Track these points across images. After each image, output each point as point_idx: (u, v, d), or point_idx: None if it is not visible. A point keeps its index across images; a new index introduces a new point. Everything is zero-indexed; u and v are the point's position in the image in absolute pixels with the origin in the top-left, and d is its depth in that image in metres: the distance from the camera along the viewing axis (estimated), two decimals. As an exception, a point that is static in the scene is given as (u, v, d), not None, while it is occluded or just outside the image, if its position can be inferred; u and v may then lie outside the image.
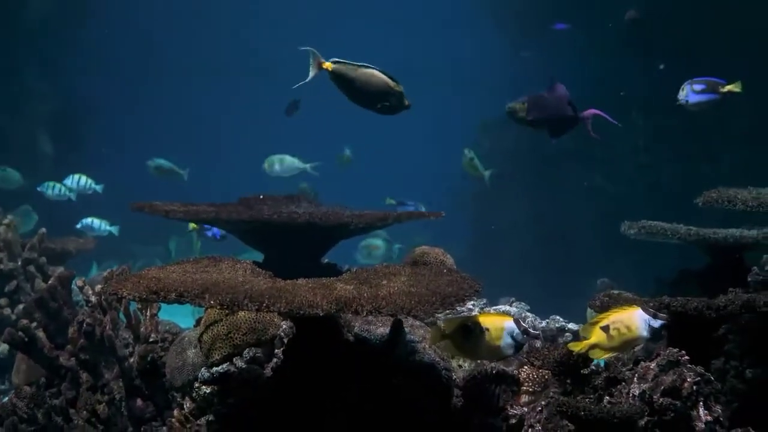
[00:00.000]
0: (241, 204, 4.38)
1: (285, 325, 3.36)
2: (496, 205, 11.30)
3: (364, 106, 3.67)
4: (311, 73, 3.57)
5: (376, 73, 3.58)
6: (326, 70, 3.54)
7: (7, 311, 5.34)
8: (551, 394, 2.94)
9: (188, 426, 3.30)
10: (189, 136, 17.59)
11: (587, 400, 2.73)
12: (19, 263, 5.56)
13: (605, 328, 2.82)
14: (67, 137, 13.41)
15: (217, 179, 14.01)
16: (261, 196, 4.48)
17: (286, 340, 3.28)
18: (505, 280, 6.41)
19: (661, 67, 8.70)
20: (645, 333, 2.81)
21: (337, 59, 3.55)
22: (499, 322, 2.83)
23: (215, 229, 5.15)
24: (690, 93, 4.65)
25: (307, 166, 8.10)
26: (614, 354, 2.89)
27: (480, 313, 3.28)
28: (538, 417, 2.97)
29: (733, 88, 4.53)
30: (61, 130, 13.40)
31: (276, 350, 3.36)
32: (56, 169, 12.73)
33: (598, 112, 4.52)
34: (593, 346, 2.83)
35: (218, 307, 2.73)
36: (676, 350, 2.82)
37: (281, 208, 4.21)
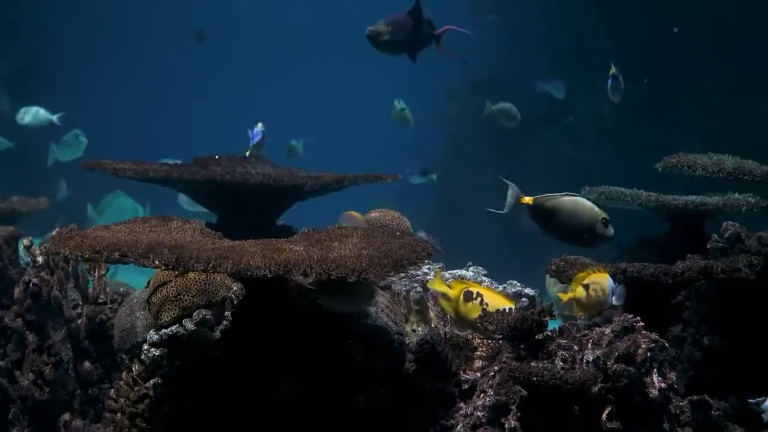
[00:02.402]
0: (195, 164, 4.29)
1: (236, 287, 3.29)
2: (461, 171, 11.28)
3: (565, 240, 3.41)
4: (507, 207, 3.43)
5: (580, 201, 3.35)
6: (526, 204, 3.38)
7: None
8: (504, 359, 2.89)
9: (136, 389, 3.23)
10: (158, 96, 17.39)
11: (540, 365, 2.67)
12: (-33, 223, 5.45)
13: (586, 287, 2.85)
14: (25, 95, 13.22)
15: (186, 137, 13.87)
16: (216, 157, 4.39)
17: (236, 303, 3.21)
18: (470, 246, 6.38)
19: (675, 30, 8.66)
20: (612, 299, 2.83)
21: (537, 196, 3.38)
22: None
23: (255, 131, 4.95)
24: None
25: (54, 117, 7.99)
26: (587, 313, 2.91)
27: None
28: (490, 382, 2.93)
29: None
30: (18, 88, 13.21)
31: (226, 312, 3.29)
32: (10, 129, 12.57)
33: (452, 27, 4.45)
34: (574, 301, 2.89)
35: (163, 268, 2.67)
36: (631, 316, 2.78)
37: (236, 168, 4.13)
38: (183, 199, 7.00)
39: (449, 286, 3.01)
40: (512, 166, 10.03)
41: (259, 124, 4.77)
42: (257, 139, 4.75)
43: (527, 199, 3.37)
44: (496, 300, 2.93)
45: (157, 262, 2.53)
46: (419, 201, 10.17)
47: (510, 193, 3.41)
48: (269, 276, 2.47)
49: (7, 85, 12.94)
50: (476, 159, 11.17)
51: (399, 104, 7.66)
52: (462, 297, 2.95)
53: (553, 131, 10.27)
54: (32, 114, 8.07)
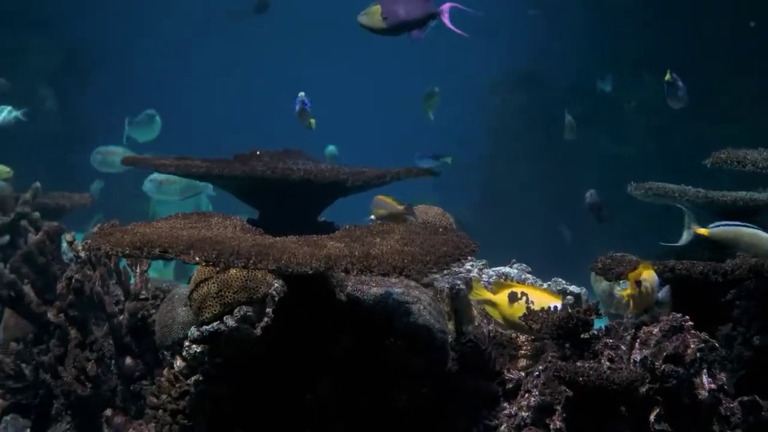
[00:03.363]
0: (236, 160, 4.28)
1: (277, 283, 3.26)
2: (504, 167, 11.23)
3: None
4: (684, 239, 3.37)
5: (759, 233, 3.18)
6: (702, 234, 3.29)
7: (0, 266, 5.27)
8: (549, 358, 2.85)
9: (177, 385, 3.23)
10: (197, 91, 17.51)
11: (587, 365, 2.63)
12: (12, 217, 5.48)
13: (638, 284, 2.81)
14: (69, 92, 13.33)
15: (224, 133, 13.91)
16: (258, 152, 4.37)
17: (277, 299, 3.19)
18: (512, 243, 6.34)
19: (752, 24, 8.54)
20: (658, 296, 2.79)
21: (720, 223, 3.27)
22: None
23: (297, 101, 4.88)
24: None
25: (19, 113, 7.95)
26: (637, 311, 2.88)
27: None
28: (535, 382, 2.89)
29: None
30: (63, 85, 13.33)
31: (267, 309, 3.27)
32: (54, 126, 12.69)
33: (454, 4, 4.30)
34: (630, 298, 2.84)
35: (204, 264, 2.65)
36: (679, 315, 2.72)
37: (277, 163, 4.11)
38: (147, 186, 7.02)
39: (492, 291, 2.97)
40: (554, 162, 9.98)
41: (301, 93, 4.73)
42: (298, 107, 4.71)
43: (702, 231, 3.30)
44: (541, 298, 2.89)
45: (197, 259, 2.51)
46: (460, 196, 10.13)
47: (686, 221, 3.34)
48: (310, 273, 2.44)
49: (51, 81, 13.07)
50: (518, 154, 11.12)
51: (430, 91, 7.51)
52: (507, 299, 2.91)
53: (596, 126, 10.15)
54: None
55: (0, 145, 8.72)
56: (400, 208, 3.77)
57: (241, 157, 4.29)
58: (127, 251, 2.60)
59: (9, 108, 7.85)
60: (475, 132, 12.15)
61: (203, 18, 19.26)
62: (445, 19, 4.16)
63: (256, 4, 9.82)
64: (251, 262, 2.47)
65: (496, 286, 2.98)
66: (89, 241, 2.87)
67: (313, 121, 4.75)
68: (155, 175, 7.16)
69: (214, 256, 2.49)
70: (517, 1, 12.21)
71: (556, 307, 2.79)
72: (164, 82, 16.71)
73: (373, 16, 4.07)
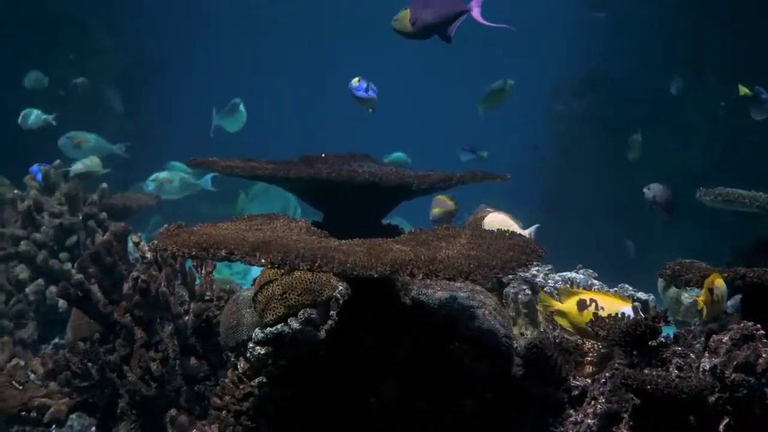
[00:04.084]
0: (302, 162, 4.29)
1: (341, 286, 3.26)
2: (566, 172, 11.15)
3: None
4: None
5: None
6: None
7: (67, 266, 5.36)
8: (616, 365, 2.81)
9: (241, 387, 3.24)
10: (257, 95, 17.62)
11: (654, 373, 2.58)
12: (80, 218, 5.57)
13: (710, 291, 2.77)
14: (134, 93, 13.52)
15: (277, 136, 14.00)
16: (323, 155, 4.38)
17: (341, 302, 3.18)
18: (573, 247, 6.28)
19: None
20: (728, 305, 2.75)
21: None
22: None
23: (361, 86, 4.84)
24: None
25: (50, 117, 8.00)
26: (708, 319, 2.85)
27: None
28: (601, 389, 2.85)
29: None
30: (129, 86, 13.52)
31: (331, 312, 3.27)
32: (124, 126, 12.86)
33: None
34: (705, 306, 2.80)
35: (269, 266, 2.66)
36: (751, 324, 2.67)
37: (342, 166, 4.11)
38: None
39: (559, 300, 2.94)
40: (616, 166, 9.86)
41: (355, 79, 4.72)
42: (359, 93, 4.69)
43: None
44: (611, 303, 2.85)
45: (263, 261, 2.51)
46: (527, 201, 10.07)
47: None
48: (375, 276, 2.43)
49: (118, 85, 13.26)
50: (580, 159, 11.02)
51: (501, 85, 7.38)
52: (576, 307, 2.87)
53: (660, 130, 10.02)
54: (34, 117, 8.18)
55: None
56: (452, 204, 3.78)
57: (306, 159, 4.30)
58: (194, 252, 2.61)
59: (38, 112, 7.99)
60: (538, 137, 12.08)
61: (264, 20, 19.44)
62: (476, 15, 4.14)
63: None
64: (316, 264, 2.46)
65: (564, 294, 2.95)
66: (156, 242, 2.89)
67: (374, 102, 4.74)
68: (156, 175, 7.19)
69: (279, 258, 2.49)
70: (582, 5, 12.10)
71: (624, 314, 2.75)
72: (226, 83, 16.83)
73: (403, 20, 4.09)
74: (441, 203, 4.58)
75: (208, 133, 9.44)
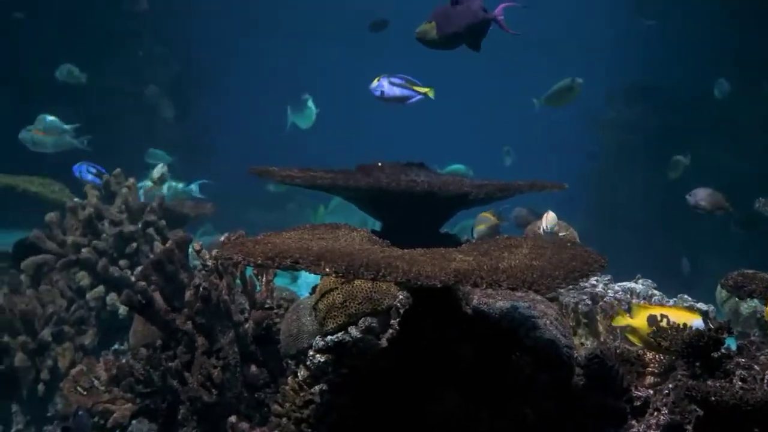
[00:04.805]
0: (359, 171, 4.32)
1: (402, 295, 3.28)
2: (618, 180, 11.08)
3: None
4: None
5: None
6: None
7: (126, 273, 5.43)
8: (679, 376, 2.79)
9: (302, 394, 3.27)
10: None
11: (718, 384, 2.57)
12: (139, 226, 5.65)
13: None
14: (185, 101, 13.65)
15: (326, 144, 14.04)
16: (379, 164, 4.40)
17: (402, 311, 3.20)
18: (624, 256, 6.25)
19: None
20: None
21: None
22: None
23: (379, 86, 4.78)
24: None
25: (78, 141, 8.03)
26: None
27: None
28: (664, 400, 2.83)
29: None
30: (180, 94, 13.66)
31: (392, 321, 3.29)
32: (174, 133, 13.00)
33: (507, 4, 4.23)
34: None
35: (334, 275, 2.68)
36: (818, 335, 2.65)
37: (400, 176, 4.13)
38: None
39: (630, 315, 2.94)
40: (668, 175, 9.78)
41: (375, 80, 4.70)
42: (376, 94, 4.67)
43: None
44: (682, 318, 2.84)
45: (327, 270, 2.52)
46: (578, 208, 10.02)
47: None
48: (439, 286, 2.44)
49: (170, 92, 13.40)
50: (632, 166, 10.94)
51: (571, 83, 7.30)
52: (647, 323, 2.87)
53: (711, 139, 9.92)
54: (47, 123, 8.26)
55: (123, 154, 8.96)
56: (496, 219, 3.78)
57: (364, 168, 4.33)
58: (259, 261, 2.63)
59: (69, 131, 8.08)
60: (589, 145, 12.03)
61: (312, 28, 19.52)
62: (501, 23, 4.16)
63: (374, 23, 9.94)
64: (380, 274, 2.47)
65: (636, 309, 2.95)
66: (221, 250, 2.92)
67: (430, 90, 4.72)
68: (145, 182, 7.25)
69: (343, 267, 2.51)
70: (634, 12, 12.03)
71: (686, 325, 2.74)
72: (273, 92, 16.92)
73: (428, 31, 4.12)
74: (485, 219, 4.59)
75: (256, 139, 9.54)
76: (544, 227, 3.70)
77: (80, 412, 3.78)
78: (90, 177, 7.32)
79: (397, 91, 4.71)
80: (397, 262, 2.52)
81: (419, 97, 4.68)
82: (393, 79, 4.70)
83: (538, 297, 3.31)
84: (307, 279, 7.57)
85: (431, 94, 4.68)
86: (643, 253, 9.04)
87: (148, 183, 7.27)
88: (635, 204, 10.62)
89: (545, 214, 4.06)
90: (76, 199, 5.89)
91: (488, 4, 4.26)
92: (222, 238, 4.10)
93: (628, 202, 10.73)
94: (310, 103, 8.83)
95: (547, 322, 3.11)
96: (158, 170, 6.74)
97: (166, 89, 13.45)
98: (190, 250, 4.43)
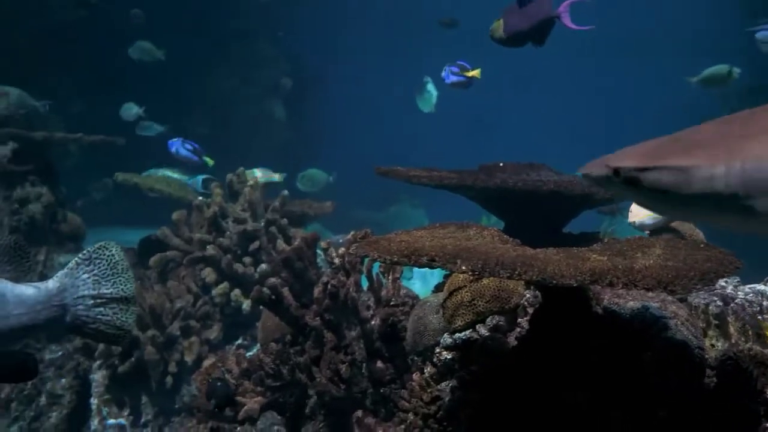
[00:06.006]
0: (481, 171, 4.34)
1: (529, 294, 3.30)
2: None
3: None
4: None
5: None
6: None
7: (250, 270, 5.55)
8: (816, 379, 2.76)
9: (429, 390, 3.30)
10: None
11: None
12: (262, 224, 5.77)
13: None
14: (295, 101, 13.82)
15: (435, 145, 14.04)
16: (501, 164, 4.42)
17: (529, 310, 3.22)
18: (749, 259, 6.12)
19: None
20: None
21: None
22: None
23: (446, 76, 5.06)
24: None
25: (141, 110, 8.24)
26: None
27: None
28: (802, 404, 2.80)
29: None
30: (293, 98, 13.83)
31: (519, 319, 3.31)
32: (284, 134, 13.18)
33: (571, 0, 4.19)
34: None
35: (469, 273, 2.70)
36: None
37: (522, 175, 4.15)
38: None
39: None
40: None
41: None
42: (449, 81, 4.78)
43: None
44: None
45: (463, 268, 2.55)
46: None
47: None
48: (574, 285, 2.45)
49: (283, 96, 13.59)
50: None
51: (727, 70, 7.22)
52: None
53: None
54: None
55: (236, 153, 9.16)
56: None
57: (486, 168, 4.35)
58: (395, 259, 2.68)
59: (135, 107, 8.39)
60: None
61: (417, 33, 19.55)
62: (566, 20, 4.15)
63: (445, 21, 9.95)
64: (516, 272, 2.49)
65: None
66: (351, 248, 2.98)
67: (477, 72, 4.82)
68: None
69: (479, 266, 2.53)
70: (750, 14, 11.77)
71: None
72: (379, 94, 17.07)
73: (497, 29, 4.16)
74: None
75: (361, 140, 9.66)
76: (634, 222, 3.65)
77: (218, 383, 3.89)
78: (185, 152, 7.59)
79: (453, 78, 4.91)
80: (532, 261, 2.53)
81: (462, 78, 4.88)
82: (452, 68, 4.90)
83: (669, 298, 3.29)
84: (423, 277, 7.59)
85: (478, 75, 4.83)
86: (758, 253, 8.84)
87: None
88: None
89: (630, 208, 4.04)
90: (200, 198, 6.04)
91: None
92: (349, 236, 4.17)
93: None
94: (429, 87, 8.86)
95: (678, 322, 3.09)
96: (262, 173, 6.88)
97: (277, 91, 13.64)
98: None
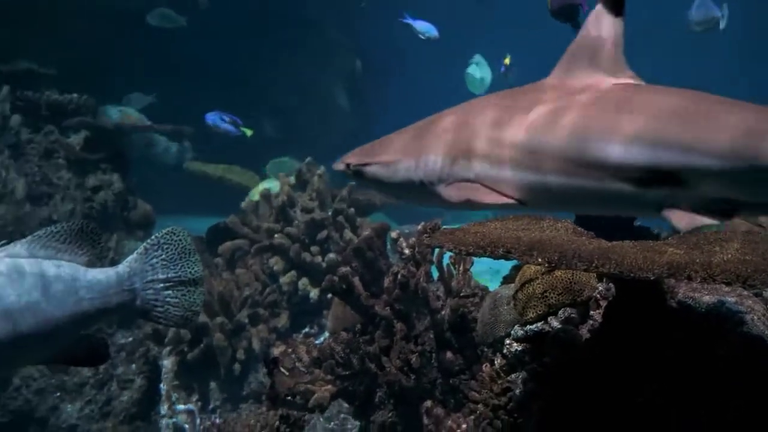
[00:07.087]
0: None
1: (601, 287, 3.28)
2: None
3: None
4: None
5: None
6: None
7: (317, 259, 5.59)
8: None
9: (499, 382, 3.31)
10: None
11: None
12: (330, 213, 5.80)
13: None
14: (362, 91, 13.84)
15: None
16: None
17: (602, 303, 3.20)
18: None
19: None
20: None
21: None
22: None
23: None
24: None
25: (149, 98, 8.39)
26: None
27: None
28: None
29: None
30: (354, 88, 13.85)
31: (591, 312, 3.29)
32: (348, 122, 13.21)
33: None
34: None
35: (545, 265, 2.69)
36: None
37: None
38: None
39: None
40: None
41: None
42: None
43: None
44: None
45: (540, 260, 2.54)
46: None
47: None
48: (652, 278, 2.43)
49: (345, 85, 13.62)
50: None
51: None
52: None
53: None
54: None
55: (301, 143, 9.20)
56: None
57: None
58: (471, 250, 2.68)
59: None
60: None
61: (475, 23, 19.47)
62: (583, 5, 4.32)
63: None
64: (593, 265, 2.48)
65: None
66: (425, 239, 2.99)
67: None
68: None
69: (556, 258, 2.53)
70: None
71: None
72: (439, 84, 17.02)
73: (548, 5, 4.41)
74: None
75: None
76: None
77: None
78: (223, 125, 7.68)
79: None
80: (609, 254, 2.51)
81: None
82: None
83: (745, 292, 3.25)
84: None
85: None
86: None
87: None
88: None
89: None
90: (266, 188, 6.11)
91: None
92: (419, 227, 4.18)
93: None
94: (470, 69, 8.86)
95: (755, 317, 3.05)
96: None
97: (343, 80, 13.68)
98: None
